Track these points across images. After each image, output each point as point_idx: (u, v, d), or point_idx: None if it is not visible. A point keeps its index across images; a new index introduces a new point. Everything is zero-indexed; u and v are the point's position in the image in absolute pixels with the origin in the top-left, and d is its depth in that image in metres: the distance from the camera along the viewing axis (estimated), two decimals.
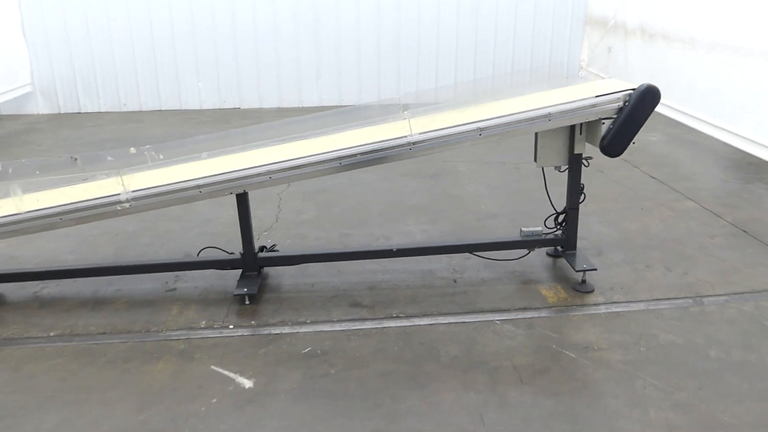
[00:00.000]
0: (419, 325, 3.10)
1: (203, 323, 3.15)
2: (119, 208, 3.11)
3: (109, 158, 3.39)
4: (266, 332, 3.06)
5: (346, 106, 7.89)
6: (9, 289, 3.51)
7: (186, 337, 3.03)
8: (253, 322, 3.15)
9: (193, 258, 3.58)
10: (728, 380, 2.62)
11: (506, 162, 5.68)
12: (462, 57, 8.41)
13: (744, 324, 3.03)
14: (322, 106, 8.38)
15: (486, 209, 4.61)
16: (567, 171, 3.42)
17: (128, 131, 7.21)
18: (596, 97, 3.09)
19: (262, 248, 3.61)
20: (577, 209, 3.47)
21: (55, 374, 2.75)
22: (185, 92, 8.20)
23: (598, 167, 5.42)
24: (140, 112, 8.19)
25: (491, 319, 3.14)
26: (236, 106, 8.34)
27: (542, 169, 3.51)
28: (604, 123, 3.13)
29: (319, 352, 2.89)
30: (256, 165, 3.09)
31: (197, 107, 8.28)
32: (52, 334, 3.08)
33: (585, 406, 2.48)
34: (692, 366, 2.72)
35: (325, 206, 4.70)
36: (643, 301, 3.28)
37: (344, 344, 2.95)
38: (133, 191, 3.08)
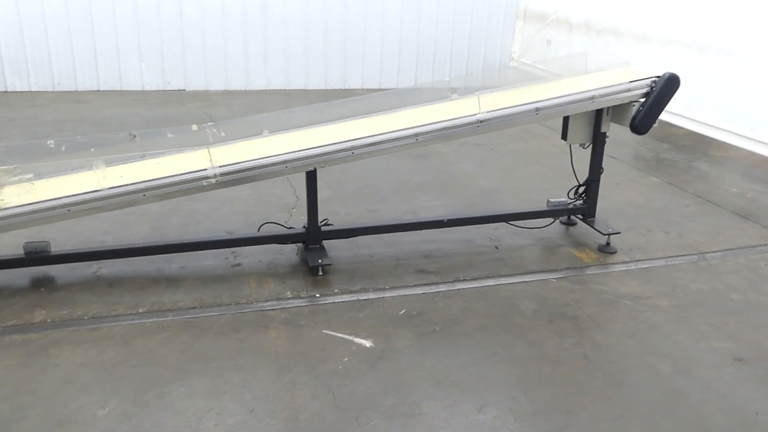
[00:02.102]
0: (488, 285, 3.44)
1: (289, 293, 3.27)
2: (205, 183, 3.14)
3: (169, 135, 3.38)
4: (354, 298, 3.25)
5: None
6: (59, 270, 3.39)
7: (280, 307, 3.15)
8: (336, 290, 3.32)
9: (256, 233, 3.64)
10: (756, 316, 3.22)
11: (480, 144, 6.13)
12: (405, 45, 8.76)
13: (745, 273, 3.68)
14: (269, 90, 8.39)
15: (485, 185, 5.02)
16: (589, 147, 3.90)
17: (79, 112, 6.82)
18: (630, 82, 3.58)
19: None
20: (598, 181, 3.97)
21: (172, 347, 2.77)
22: (127, 72, 7.85)
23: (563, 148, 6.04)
24: (77, 92, 7.72)
25: (546, 278, 3.55)
26: (181, 88, 8.11)
27: (569, 146, 3.95)
28: (634, 105, 3.63)
29: (414, 312, 3.14)
30: (340, 140, 3.25)
31: (140, 88, 7.95)
32: (141, 310, 3.06)
33: (662, 342, 2.96)
34: (724, 306, 3.30)
35: (336, 185, 4.87)
36: (659, 258, 3.84)
37: (433, 305, 3.21)
38: (221, 166, 3.13)
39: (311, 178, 3.45)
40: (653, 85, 3.59)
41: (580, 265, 3.71)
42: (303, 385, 2.56)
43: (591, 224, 3.99)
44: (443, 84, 3.76)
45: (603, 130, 3.80)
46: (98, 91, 7.81)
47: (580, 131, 3.82)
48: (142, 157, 3.30)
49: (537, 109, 3.47)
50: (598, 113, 3.77)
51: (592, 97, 3.53)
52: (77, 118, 6.55)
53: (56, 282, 3.30)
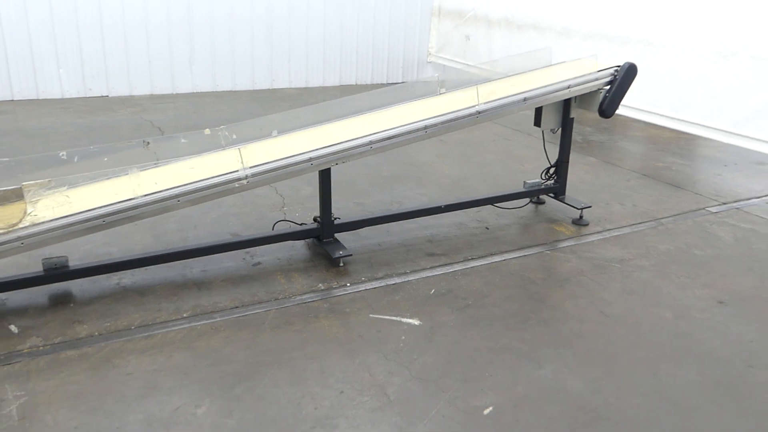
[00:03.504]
0: (495, 261, 3.77)
1: (321, 285, 3.42)
2: (237, 185, 3.21)
3: (182, 140, 3.41)
4: (384, 284, 3.46)
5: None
6: (79, 285, 3.31)
7: (319, 298, 3.29)
8: (362, 278, 3.51)
9: (271, 232, 3.73)
10: (719, 266, 3.80)
11: None
12: (329, 44, 8.93)
13: (697, 233, 4.29)
14: (196, 93, 8.24)
15: (451, 173, 5.37)
16: (557, 132, 4.35)
17: (3, 123, 6.38)
18: (598, 71, 4.05)
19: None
20: (568, 162, 4.43)
21: (236, 345, 2.85)
22: (44, 80, 7.40)
23: (504, 136, 6.54)
24: None
25: (541, 251, 3.94)
26: (104, 95, 7.77)
27: (542, 132, 4.38)
28: (601, 91, 4.10)
29: (443, 291, 3.40)
30: (359, 136, 3.44)
31: (59, 96, 7.53)
32: (185, 315, 3.08)
33: (656, 295, 3.43)
34: (692, 261, 3.85)
35: (314, 183, 4.98)
36: (625, 226, 4.37)
37: (457, 283, 3.50)
38: (252, 167, 3.21)
39: (325, 175, 3.60)
40: (616, 73, 4.08)
41: (564, 237, 4.15)
42: (376, 364, 2.75)
43: (563, 201, 4.44)
44: (432, 79, 4.00)
45: (572, 116, 4.26)
46: (12, 101, 7.31)
47: (552, 118, 4.26)
48: (156, 163, 3.30)
49: (525, 99, 3.85)
50: (567, 101, 4.21)
51: (569, 86, 3.96)
52: (5, 130, 6.14)
53: (81, 296, 3.22)
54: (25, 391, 2.49)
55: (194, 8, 7.91)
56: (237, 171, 3.19)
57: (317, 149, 3.35)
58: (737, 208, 4.73)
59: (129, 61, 7.76)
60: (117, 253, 3.66)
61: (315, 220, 3.88)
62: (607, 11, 6.22)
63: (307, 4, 8.57)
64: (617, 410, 2.53)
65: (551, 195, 4.55)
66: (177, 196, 3.08)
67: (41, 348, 2.77)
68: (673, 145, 6.48)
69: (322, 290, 3.37)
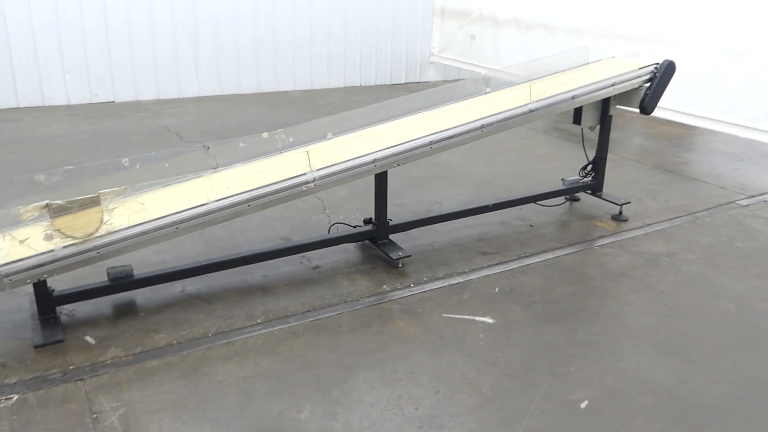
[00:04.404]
0: (549, 258, 3.81)
1: (386, 287, 3.42)
2: (305, 188, 3.19)
3: (241, 144, 3.37)
4: (447, 284, 3.48)
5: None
6: (142, 294, 3.26)
7: (388, 299, 3.29)
8: (425, 279, 3.52)
9: (328, 235, 3.72)
10: (763, 257, 3.89)
11: None
12: (333, 45, 8.91)
13: (734, 226, 4.39)
14: (201, 97, 8.16)
15: (479, 173, 5.41)
16: (595, 130, 4.42)
17: (14, 132, 6.23)
18: (639, 69, 4.12)
19: (370, 220, 3.90)
20: (606, 158, 4.50)
21: (319, 349, 2.84)
22: (49, 87, 7.25)
23: (521, 134, 6.61)
24: None
25: (589, 246, 4.00)
26: (110, 100, 7.65)
27: (581, 130, 4.44)
28: (641, 88, 4.18)
29: (507, 289, 3.43)
30: (419, 137, 3.45)
31: (65, 103, 7.38)
32: (259, 321, 3.06)
33: (712, 287, 3.51)
34: (737, 253, 3.94)
35: (349, 185, 4.97)
36: (663, 221, 4.45)
37: (516, 280, 3.53)
38: (318, 170, 3.20)
39: (381, 177, 3.61)
40: (656, 71, 4.15)
41: (607, 233, 4.21)
42: (463, 363, 2.77)
43: (603, 197, 4.51)
44: (479, 78, 4.02)
45: (611, 113, 4.32)
46: (18, 108, 7.14)
47: (591, 115, 4.32)
48: (215, 168, 3.26)
49: (573, 97, 3.90)
50: (606, 99, 4.28)
51: (613, 84, 4.03)
52: (15, 138, 6.00)
53: (148, 305, 3.18)
54: (121, 402, 2.45)
55: (198, 11, 7.83)
56: (305, 174, 3.17)
57: (380, 150, 3.35)
58: (765, 201, 4.85)
59: (135, 66, 7.65)
60: (171, 261, 3.61)
61: (366, 222, 3.89)
62: (619, 10, 6.33)
63: (311, 6, 8.54)
64: (708, 398, 2.58)
65: (589, 192, 4.61)
66: (248, 201, 3.06)
67: (124, 358, 2.73)
68: (686, 141, 6.62)
69: (388, 291, 3.37)
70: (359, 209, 4.44)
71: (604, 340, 2.97)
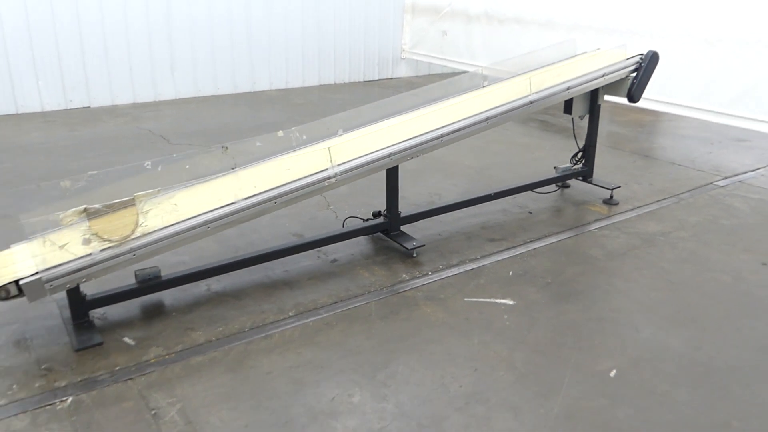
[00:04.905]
0: (553, 242, 4.00)
1: (405, 276, 3.54)
2: (327, 184, 3.29)
3: (258, 144, 3.45)
4: (462, 270, 3.62)
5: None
6: (170, 294, 3.30)
7: (410, 287, 3.42)
8: (440, 266, 3.66)
9: (343, 229, 3.82)
10: (747, 233, 4.17)
11: None
12: (307, 44, 8.96)
13: (716, 205, 4.67)
14: (178, 99, 8.11)
15: (471, 164, 5.58)
16: (583, 119, 4.64)
17: (7, 138, 6.12)
18: (626, 59, 4.35)
19: (379, 213, 4.03)
20: (595, 146, 4.72)
21: (356, 336, 2.95)
22: (22, 93, 7.10)
23: (501, 127, 6.81)
24: None
25: (589, 229, 4.21)
26: (86, 105, 7.53)
27: (572, 119, 4.65)
28: (628, 78, 4.41)
29: (520, 272, 3.60)
30: (430, 130, 3.58)
31: (39, 109, 7.24)
32: (291, 314, 3.15)
33: (707, 262, 3.75)
34: (723, 230, 4.21)
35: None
36: (651, 203, 4.70)
37: (527, 264, 3.70)
38: (339, 164, 3.30)
39: (392, 171, 3.73)
40: (641, 61, 4.39)
41: (602, 216, 4.43)
42: (493, 342, 2.92)
43: (594, 183, 4.73)
44: (477, 73, 4.17)
45: (599, 102, 4.55)
46: None
47: (581, 105, 4.53)
48: (233, 168, 3.33)
49: (568, 88, 4.10)
50: (595, 89, 4.49)
51: (604, 75, 4.24)
52: (1, 146, 5.89)
53: (177, 304, 3.22)
54: (175, 397, 2.51)
55: (173, 12, 7.78)
56: (327, 170, 3.27)
57: (395, 144, 3.47)
58: (740, 181, 5.17)
59: (110, 70, 7.56)
60: (190, 261, 3.65)
61: (375, 215, 4.01)
62: (592, 2, 6.59)
63: (285, 6, 8.58)
64: (723, 362, 2.80)
65: (580, 178, 4.83)
66: (274, 198, 3.14)
67: (167, 356, 2.78)
68: (657, 127, 6.95)
69: (408, 280, 3.50)
70: (363, 204, 4.55)
71: (619, 315, 3.17)
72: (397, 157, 3.49)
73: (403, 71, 10.00)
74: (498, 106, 3.81)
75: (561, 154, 5.83)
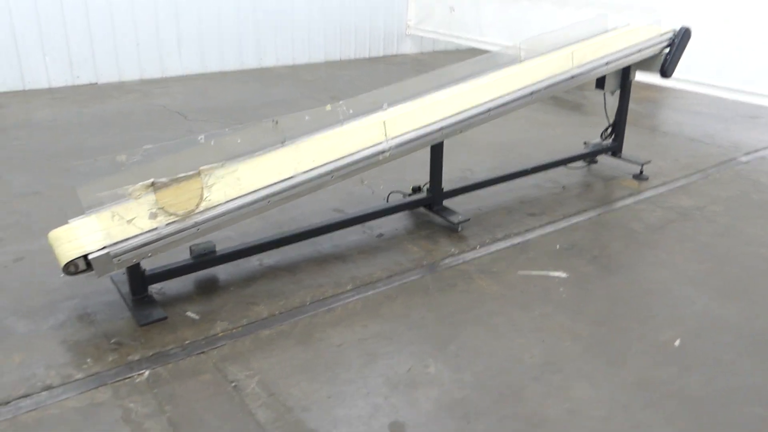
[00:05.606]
0: (592, 216, 4.04)
1: (454, 249, 3.56)
2: (381, 158, 3.28)
3: (306, 118, 3.42)
4: (509, 244, 3.65)
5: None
6: (223, 269, 3.29)
7: (461, 261, 3.44)
8: (487, 240, 3.68)
9: (388, 204, 3.82)
10: None
11: None
12: (314, 21, 8.85)
13: (742, 180, 4.74)
14: (185, 75, 7.99)
15: (494, 141, 5.58)
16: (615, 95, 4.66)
17: (4, 117, 5.98)
18: (661, 35, 4.36)
19: (418, 188, 4.03)
20: (625, 121, 4.76)
21: (419, 309, 2.96)
22: (29, 70, 6.94)
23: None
24: None
25: (625, 203, 4.26)
26: (93, 82, 7.39)
27: (604, 94, 4.67)
28: (662, 54, 4.43)
29: (566, 246, 3.64)
30: (478, 104, 3.58)
31: (46, 86, 7.09)
32: (349, 288, 3.15)
33: (745, 235, 3.82)
34: (755, 204, 4.28)
35: None
36: (680, 178, 4.76)
37: (571, 237, 3.74)
38: (393, 138, 3.29)
39: (438, 145, 3.73)
40: (674, 37, 4.41)
41: (635, 191, 4.48)
42: (554, 314, 2.96)
43: (623, 158, 4.78)
44: (515, 48, 4.15)
45: (631, 78, 4.57)
46: None
47: (613, 81, 4.55)
48: (283, 143, 3.30)
49: (607, 63, 4.11)
50: (626, 66, 4.51)
51: (640, 50, 4.26)
52: (13, 124, 5.76)
53: (233, 279, 3.21)
54: (252, 370, 2.52)
55: None
56: (381, 143, 3.26)
57: (445, 119, 3.46)
58: (762, 157, 5.25)
59: (117, 47, 7.41)
60: (236, 237, 3.63)
61: (414, 190, 4.01)
62: None
63: None
64: None
65: (609, 154, 4.86)
66: (332, 171, 3.12)
67: (234, 330, 2.78)
68: (671, 104, 7.01)
69: (458, 254, 3.52)
70: (396, 180, 4.52)
71: (669, 287, 3.22)
72: (447, 131, 3.49)
73: (408, 48, 9.93)
74: (541, 80, 3.81)
75: (581, 130, 5.87)
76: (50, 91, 7.01)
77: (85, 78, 7.33)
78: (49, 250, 2.69)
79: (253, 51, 8.45)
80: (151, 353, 2.60)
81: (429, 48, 10.10)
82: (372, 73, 8.61)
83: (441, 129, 3.45)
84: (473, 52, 9.91)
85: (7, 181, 4.39)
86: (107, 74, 7.45)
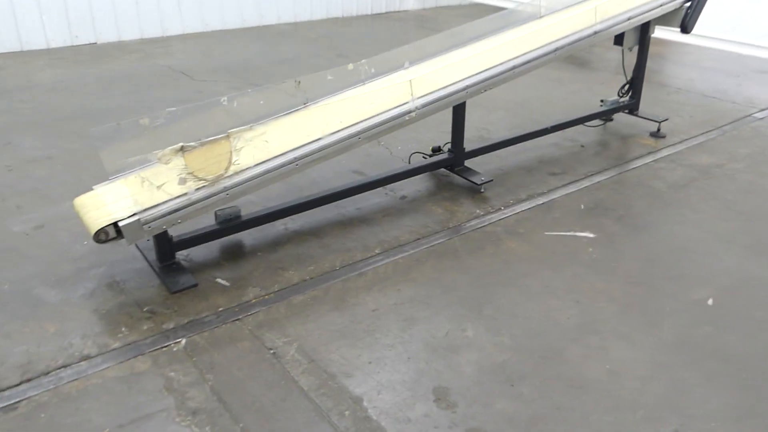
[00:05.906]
0: (614, 175, 4.01)
1: (479, 211, 3.53)
2: (407, 118, 3.22)
3: (329, 77, 3.34)
4: (533, 204, 3.62)
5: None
6: (248, 235, 3.25)
7: (487, 223, 3.41)
8: (510, 201, 3.65)
9: (410, 165, 3.76)
10: None
11: None
12: None
13: (760, 136, 4.70)
14: (186, 34, 7.78)
15: (509, 99, 5.49)
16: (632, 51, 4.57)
17: (6, 78, 5.82)
18: None
19: (438, 148, 3.98)
20: (642, 78, 4.68)
21: (449, 272, 2.94)
22: (26, 30, 6.74)
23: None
24: None
25: (645, 162, 4.21)
26: (92, 42, 7.19)
27: (622, 51, 4.57)
28: (682, 8, 4.33)
29: (591, 205, 3.61)
30: (502, 62, 3.50)
31: (44, 46, 6.89)
32: (377, 251, 3.12)
33: (764, 190, 3.82)
34: None
35: None
36: (697, 135, 4.71)
37: (596, 197, 3.71)
38: (419, 97, 3.22)
39: (460, 105, 3.65)
40: None
41: (653, 149, 4.43)
42: (586, 275, 2.95)
43: (640, 115, 4.71)
44: (534, 5, 4.04)
45: (650, 33, 4.47)
46: None
47: (632, 36, 4.45)
48: (305, 103, 3.22)
49: (629, 18, 4.01)
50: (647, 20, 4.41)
51: (661, 4, 4.15)
52: (16, 86, 5.61)
53: (259, 244, 3.18)
54: (289, 336, 2.50)
55: None
56: (407, 103, 3.19)
57: (470, 77, 3.39)
58: None
59: (116, 5, 7.19)
60: (258, 201, 3.58)
61: (434, 150, 3.96)
62: None
63: None
64: None
65: (626, 111, 4.80)
66: (359, 133, 3.06)
67: (267, 297, 2.76)
68: (679, 59, 6.90)
69: (483, 215, 3.49)
70: (412, 140, 4.47)
71: (698, 245, 3.21)
72: (472, 89, 3.41)
73: (411, 4, 9.70)
74: (565, 36, 3.72)
75: (595, 88, 5.79)
76: (48, 52, 6.83)
77: (84, 38, 7.13)
78: (68, 217, 2.65)
79: (253, 8, 8.23)
80: (185, 321, 2.58)
81: (431, 4, 9.88)
82: (376, 29, 8.42)
83: (466, 88, 3.37)
84: (477, 8, 9.73)
85: (17, 145, 4.30)
86: (106, 34, 7.25)
